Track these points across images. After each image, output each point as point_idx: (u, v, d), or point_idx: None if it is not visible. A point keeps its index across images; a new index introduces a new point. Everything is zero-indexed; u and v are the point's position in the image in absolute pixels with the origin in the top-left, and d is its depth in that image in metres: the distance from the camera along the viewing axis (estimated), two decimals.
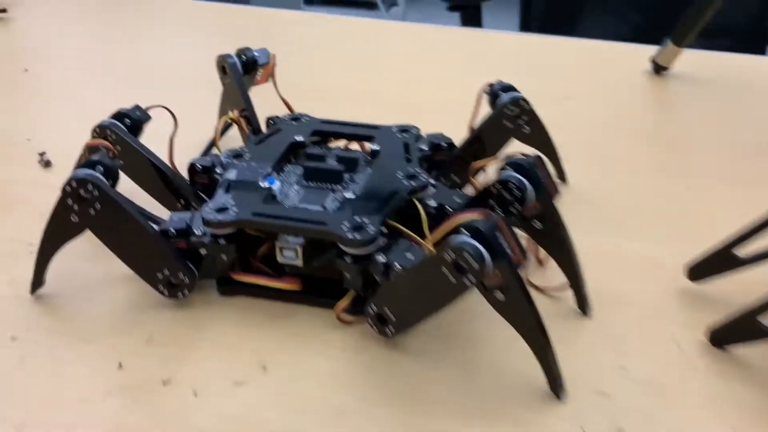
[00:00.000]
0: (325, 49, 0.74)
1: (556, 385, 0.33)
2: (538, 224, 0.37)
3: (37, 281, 0.39)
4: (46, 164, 0.52)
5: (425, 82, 0.67)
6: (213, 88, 0.53)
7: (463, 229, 0.31)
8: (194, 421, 0.33)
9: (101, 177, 0.35)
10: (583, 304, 0.38)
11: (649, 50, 0.68)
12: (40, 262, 0.38)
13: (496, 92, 0.45)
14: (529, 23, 1.17)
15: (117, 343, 0.37)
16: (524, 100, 0.44)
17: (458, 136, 0.47)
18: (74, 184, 0.35)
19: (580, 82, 0.67)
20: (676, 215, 0.47)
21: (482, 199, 0.37)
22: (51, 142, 0.55)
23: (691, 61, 0.67)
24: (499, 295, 0.32)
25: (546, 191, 0.36)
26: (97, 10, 0.84)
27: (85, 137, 0.43)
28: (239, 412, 0.33)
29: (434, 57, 0.73)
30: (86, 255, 0.42)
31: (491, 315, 0.35)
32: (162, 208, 0.43)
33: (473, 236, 0.31)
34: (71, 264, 0.42)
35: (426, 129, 0.46)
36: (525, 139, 0.46)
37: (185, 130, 0.46)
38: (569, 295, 0.39)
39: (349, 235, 0.35)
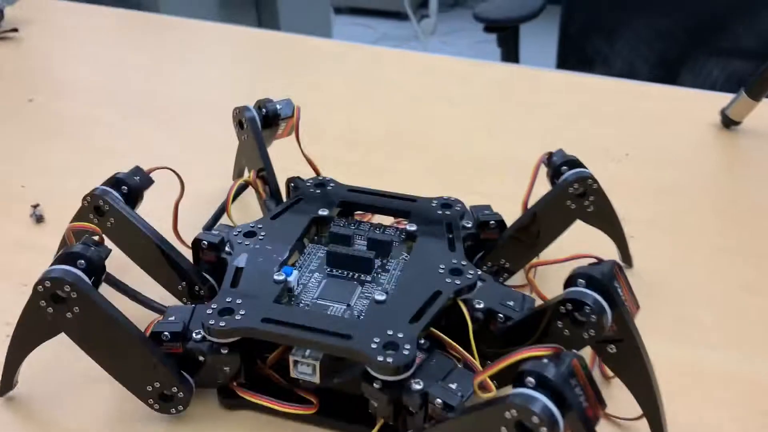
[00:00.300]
0: (356, 85, 0.67)
1: None
2: (612, 348, 0.30)
3: (7, 384, 0.33)
4: (38, 219, 0.46)
5: (466, 132, 0.60)
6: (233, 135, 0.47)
7: (529, 377, 0.24)
8: None
9: (82, 275, 0.29)
10: None
11: (709, 97, 0.60)
12: (10, 364, 0.32)
13: (557, 166, 0.38)
14: (567, 47, 1.10)
15: None
16: (592, 178, 0.37)
17: (505, 196, 0.40)
18: (48, 284, 0.28)
19: (641, 135, 0.59)
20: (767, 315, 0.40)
21: (546, 317, 0.30)
22: (47, 190, 0.49)
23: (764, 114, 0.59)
24: None
25: (625, 313, 0.29)
26: (116, 33, 0.79)
27: (86, 187, 0.37)
28: None
29: (474, 96, 0.66)
30: (66, 347, 0.36)
31: None
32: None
33: (542, 388, 0.24)
34: (48, 358, 0.35)
35: (466, 187, 0.39)
36: (587, 219, 0.39)
37: (198, 178, 0.40)
38: (642, 425, 0.32)
39: (380, 357, 0.29)
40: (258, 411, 0.33)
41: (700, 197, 0.51)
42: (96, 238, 0.32)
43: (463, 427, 0.26)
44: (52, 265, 0.29)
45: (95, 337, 0.30)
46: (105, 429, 0.32)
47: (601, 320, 0.28)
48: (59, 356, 0.36)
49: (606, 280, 0.29)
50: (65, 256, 0.29)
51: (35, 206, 0.47)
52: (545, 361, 0.25)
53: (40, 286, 0.28)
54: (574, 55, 1.06)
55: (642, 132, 0.60)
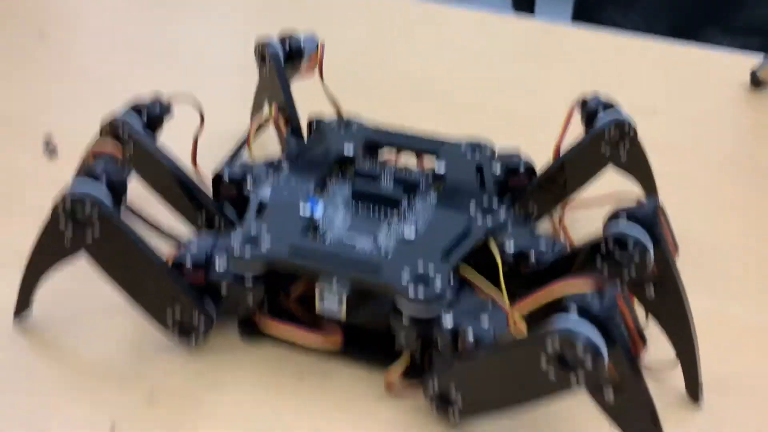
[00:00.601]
0: (380, 37, 0.65)
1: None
2: (650, 291, 0.29)
3: (22, 305, 0.32)
4: (52, 153, 0.45)
5: (493, 81, 0.58)
6: (250, 73, 0.45)
7: (571, 307, 0.23)
8: None
9: (103, 195, 0.28)
10: (694, 389, 0.30)
11: (738, 58, 0.59)
12: (26, 285, 0.31)
13: (592, 109, 0.37)
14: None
15: (110, 398, 0.29)
16: (630, 125, 0.35)
17: (532, 150, 0.39)
18: (68, 203, 0.27)
19: (668, 94, 0.58)
20: None
21: (584, 256, 0.29)
22: (60, 124, 0.48)
23: None
24: (609, 395, 0.24)
25: (668, 253, 0.28)
26: None
27: (99, 121, 0.36)
28: None
29: (501, 51, 0.64)
30: (84, 274, 0.35)
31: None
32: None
33: (586, 320, 0.23)
34: (65, 282, 0.34)
35: (494, 137, 0.38)
36: (620, 166, 0.38)
37: (214, 119, 0.39)
38: (674, 375, 0.31)
39: (411, 291, 0.28)
40: (279, 346, 0.32)
41: (729, 156, 0.50)
42: (118, 159, 0.30)
43: (494, 358, 0.25)
44: (73, 183, 0.28)
45: (115, 262, 0.29)
46: (122, 358, 0.31)
47: (644, 259, 0.27)
48: (75, 286, 0.35)
49: (651, 219, 0.27)
50: (86, 174, 0.28)
51: (48, 141, 0.46)
52: (589, 293, 0.24)
53: (60, 206, 0.27)
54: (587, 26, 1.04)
55: (670, 90, 0.58)
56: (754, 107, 0.57)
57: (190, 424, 0.29)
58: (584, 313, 0.23)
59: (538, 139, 0.40)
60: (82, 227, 0.28)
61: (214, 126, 0.40)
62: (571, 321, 0.23)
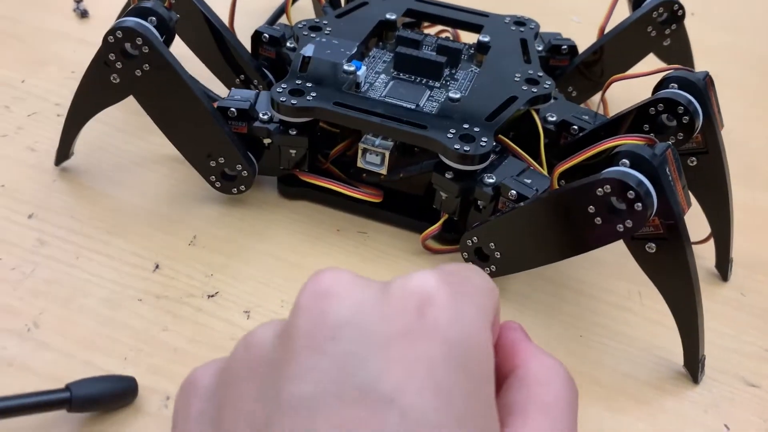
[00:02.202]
0: None
1: (695, 364, 0.26)
2: (693, 161, 0.29)
3: (64, 152, 0.32)
4: (83, 14, 0.44)
5: None
6: None
7: (624, 159, 0.23)
8: None
9: (154, 30, 0.28)
10: (724, 266, 0.31)
11: None
12: (69, 130, 0.31)
13: None
14: None
15: (153, 240, 0.30)
16: (680, 4, 0.35)
17: (578, 27, 0.38)
18: (120, 34, 0.27)
19: None
20: None
21: (630, 120, 0.29)
22: None
23: None
24: (650, 247, 0.24)
25: (715, 121, 0.28)
26: None
27: None
28: None
29: None
30: (124, 126, 0.35)
31: (613, 265, 0.28)
32: (216, 81, 0.36)
33: (637, 169, 0.23)
34: (105, 135, 0.35)
35: (537, 16, 0.38)
36: (662, 53, 0.37)
37: None
38: (704, 251, 0.32)
39: (457, 146, 0.28)
40: (317, 202, 0.33)
41: (762, 58, 0.50)
42: (165, 3, 0.30)
43: (538, 210, 0.26)
44: (123, 18, 0.28)
45: (163, 101, 0.29)
46: (165, 206, 0.32)
47: (693, 123, 0.27)
48: (114, 137, 0.35)
49: (701, 85, 0.27)
50: (137, 10, 0.28)
51: (79, 1, 0.45)
52: (641, 145, 0.24)
53: (111, 37, 0.27)
54: None
55: None
56: None
57: (234, 267, 0.29)
58: (637, 164, 0.23)
59: (577, 33, 0.40)
60: (132, 63, 0.28)
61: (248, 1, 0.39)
62: (625, 170, 0.23)
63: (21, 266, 0.28)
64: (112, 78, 0.28)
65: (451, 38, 0.39)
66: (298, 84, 0.30)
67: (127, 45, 0.27)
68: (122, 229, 0.30)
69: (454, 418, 0.13)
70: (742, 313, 0.30)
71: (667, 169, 0.24)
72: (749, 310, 0.30)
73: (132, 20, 0.27)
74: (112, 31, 0.27)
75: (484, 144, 0.28)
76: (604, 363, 0.27)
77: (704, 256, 0.32)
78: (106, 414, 0.24)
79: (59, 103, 0.37)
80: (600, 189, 0.23)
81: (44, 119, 0.36)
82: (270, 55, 0.36)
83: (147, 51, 0.27)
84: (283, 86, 0.30)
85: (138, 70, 0.28)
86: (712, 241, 0.31)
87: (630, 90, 0.36)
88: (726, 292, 0.31)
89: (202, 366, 0.16)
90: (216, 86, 0.35)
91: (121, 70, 0.28)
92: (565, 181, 0.28)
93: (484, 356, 0.14)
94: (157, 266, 0.29)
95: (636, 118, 0.28)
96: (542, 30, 0.38)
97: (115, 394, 0.24)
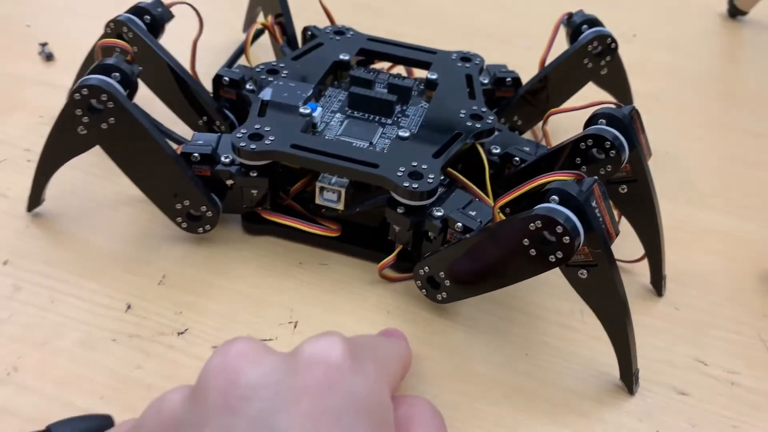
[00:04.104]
0: None
1: (629, 377, 0.29)
2: (623, 188, 0.31)
3: (35, 199, 0.34)
4: (48, 57, 0.46)
5: (472, 3, 0.59)
6: None
7: (553, 195, 0.26)
8: None
9: (117, 86, 0.29)
10: (658, 283, 0.34)
11: None
12: (40, 178, 0.33)
13: (576, 24, 0.39)
14: None
15: (124, 281, 0.32)
16: (612, 37, 0.37)
17: (519, 61, 0.41)
18: (86, 91, 0.29)
19: (648, 20, 0.60)
20: (763, 185, 0.42)
21: (564, 154, 0.31)
22: (54, 31, 0.49)
23: None
24: (582, 273, 0.27)
25: (641, 152, 0.30)
26: None
27: (93, 28, 0.37)
28: None
29: None
30: (93, 169, 0.37)
31: (558, 287, 0.30)
32: (179, 122, 0.37)
33: (565, 205, 0.25)
34: (75, 179, 0.36)
35: (480, 53, 0.40)
36: (600, 81, 0.40)
37: (207, 29, 0.40)
38: (640, 269, 0.34)
39: (406, 184, 0.30)
40: (280, 237, 0.35)
41: (704, 80, 0.53)
42: (127, 57, 0.32)
43: (479, 242, 0.28)
44: (87, 75, 0.29)
45: (129, 150, 0.30)
46: (133, 245, 0.33)
47: (619, 156, 0.29)
48: (84, 181, 0.37)
49: (627, 120, 0.30)
50: (100, 67, 0.30)
51: (44, 44, 0.46)
52: (569, 181, 0.26)
53: (77, 94, 0.29)
54: None
55: (649, 17, 0.60)
56: (729, 35, 0.59)
57: (201, 304, 0.31)
58: (565, 200, 0.25)
59: (525, 58, 0.42)
60: (97, 117, 0.29)
61: (208, 37, 0.41)
62: (553, 206, 0.25)
63: None
64: (79, 130, 0.30)
65: (405, 74, 0.42)
66: (257, 128, 0.32)
67: (93, 101, 0.29)
68: (94, 271, 0.32)
69: None
70: (676, 326, 0.33)
71: (594, 203, 0.26)
72: (682, 323, 0.33)
73: (96, 78, 0.29)
74: (78, 89, 0.29)
75: (431, 181, 0.30)
76: (548, 380, 0.30)
77: (640, 272, 0.34)
78: None
79: (29, 148, 0.38)
80: (532, 224, 0.25)
81: (14, 165, 0.37)
82: (231, 96, 0.38)
83: (112, 106, 0.29)
84: (242, 131, 0.32)
85: (104, 123, 0.29)
86: (646, 261, 0.34)
87: (571, 116, 0.39)
88: (660, 306, 0.33)
89: (115, 427, 0.17)
90: (180, 127, 0.37)
91: (88, 124, 0.30)
92: (510, 210, 0.30)
93: (385, 408, 0.17)
94: (129, 306, 0.31)
95: (569, 152, 0.31)
96: (491, 56, 0.40)
97: None
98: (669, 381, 0.30)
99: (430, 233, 0.31)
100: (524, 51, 0.49)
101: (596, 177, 0.27)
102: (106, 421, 0.26)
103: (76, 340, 0.29)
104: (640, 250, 0.33)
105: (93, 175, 0.37)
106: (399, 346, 0.19)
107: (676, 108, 0.49)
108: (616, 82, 0.40)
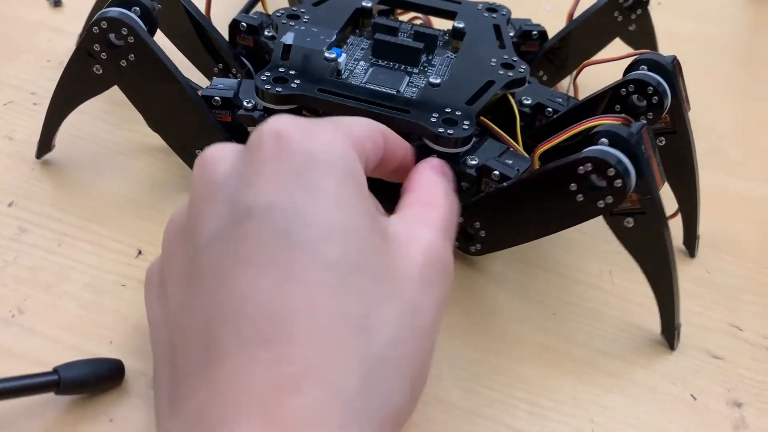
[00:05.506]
0: None
1: (671, 331, 0.28)
2: (662, 140, 0.30)
3: (45, 144, 0.32)
4: (56, 4, 0.44)
5: None
6: None
7: (603, 138, 0.24)
8: None
9: (138, 20, 0.28)
10: (692, 243, 0.33)
11: None
12: (51, 121, 0.31)
13: None
14: None
15: (135, 228, 0.30)
16: None
17: (546, 16, 0.39)
18: (105, 24, 0.27)
19: None
20: None
21: (604, 101, 0.30)
22: None
23: None
24: (628, 221, 0.26)
25: (682, 101, 0.29)
26: None
27: None
28: None
29: None
30: (104, 116, 0.35)
31: (588, 248, 0.29)
32: (194, 71, 0.36)
33: (616, 147, 0.24)
34: (85, 125, 0.35)
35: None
36: (628, 38, 0.39)
37: None
38: (674, 230, 0.33)
39: (441, 130, 0.29)
40: None
41: (730, 49, 0.51)
42: None
43: (520, 189, 0.27)
44: (107, 7, 0.28)
45: (148, 90, 0.29)
46: (145, 193, 0.32)
47: (662, 103, 0.28)
48: (95, 126, 0.35)
49: (669, 67, 0.29)
50: (119, 0, 0.28)
51: None
52: (618, 124, 0.25)
53: (95, 27, 0.27)
54: None
55: None
56: (757, 2, 0.58)
57: None
58: (615, 143, 0.24)
59: (548, 22, 0.41)
60: (116, 53, 0.28)
61: None
62: (604, 148, 0.24)
63: (3, 254, 0.28)
64: (95, 69, 0.28)
65: (424, 25, 0.40)
66: (281, 72, 0.31)
67: (112, 35, 0.27)
68: (104, 216, 0.31)
69: (324, 205, 0.18)
70: (709, 290, 0.32)
71: (643, 147, 0.25)
72: (714, 288, 0.32)
73: (116, 10, 0.27)
74: (96, 22, 0.27)
75: (466, 127, 0.29)
76: (576, 339, 0.29)
77: (672, 233, 0.33)
78: (93, 396, 0.24)
79: (35, 91, 0.36)
80: (581, 167, 0.24)
81: (21, 108, 0.35)
82: (248, 43, 0.36)
83: (132, 41, 0.27)
84: (267, 74, 0.30)
85: (123, 61, 0.28)
86: (679, 219, 0.33)
87: (594, 75, 0.38)
88: (693, 270, 0.32)
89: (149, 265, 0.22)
90: (194, 75, 0.35)
91: (106, 61, 0.28)
92: (543, 161, 0.29)
93: (347, 161, 0.19)
94: (139, 252, 0.29)
95: (609, 99, 0.29)
96: (513, 17, 0.39)
97: (102, 376, 0.24)
98: (703, 345, 0.29)
99: (463, 183, 0.30)
100: (546, 14, 0.47)
101: (645, 122, 0.26)
102: (116, 365, 0.24)
103: (84, 284, 0.28)
104: (672, 208, 0.32)
105: (104, 121, 0.35)
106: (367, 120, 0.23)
107: (702, 76, 0.47)
108: (646, 40, 0.39)
